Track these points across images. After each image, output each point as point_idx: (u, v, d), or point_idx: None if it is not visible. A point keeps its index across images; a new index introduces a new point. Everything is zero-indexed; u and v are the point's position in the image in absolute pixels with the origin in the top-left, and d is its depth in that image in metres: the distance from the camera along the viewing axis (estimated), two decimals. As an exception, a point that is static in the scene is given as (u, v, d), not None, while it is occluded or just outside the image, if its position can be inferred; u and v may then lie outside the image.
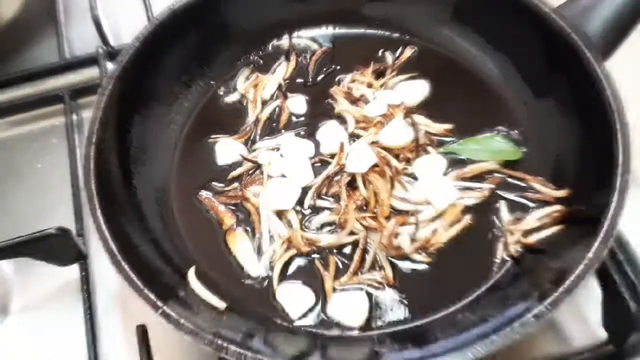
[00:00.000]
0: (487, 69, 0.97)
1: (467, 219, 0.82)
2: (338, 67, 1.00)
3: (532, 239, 0.79)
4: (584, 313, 0.78)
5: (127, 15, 1.16)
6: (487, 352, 0.61)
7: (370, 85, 0.96)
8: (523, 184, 0.85)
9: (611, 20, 0.82)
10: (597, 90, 0.77)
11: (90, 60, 1.07)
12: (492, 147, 0.88)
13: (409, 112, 0.91)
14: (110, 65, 0.97)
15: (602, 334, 0.76)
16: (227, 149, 0.91)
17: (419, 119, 0.90)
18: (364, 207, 0.83)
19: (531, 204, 0.83)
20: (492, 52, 0.97)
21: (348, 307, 0.76)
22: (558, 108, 0.86)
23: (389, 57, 1.00)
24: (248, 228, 0.84)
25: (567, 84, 0.84)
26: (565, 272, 0.66)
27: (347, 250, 0.81)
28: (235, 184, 0.88)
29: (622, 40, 0.83)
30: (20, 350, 0.83)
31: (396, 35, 1.02)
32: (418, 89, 0.95)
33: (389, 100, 0.93)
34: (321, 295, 0.78)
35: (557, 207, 0.80)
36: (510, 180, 0.85)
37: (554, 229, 0.78)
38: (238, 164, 0.90)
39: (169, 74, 0.95)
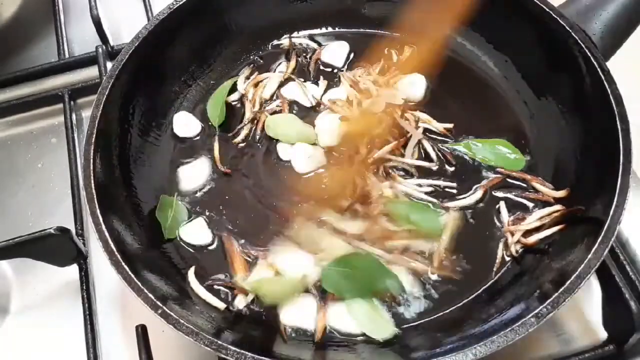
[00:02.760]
0: (487, 69, 0.97)
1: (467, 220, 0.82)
2: (338, 67, 1.00)
3: (533, 239, 0.78)
4: (584, 313, 0.78)
5: (126, 15, 1.16)
6: (487, 352, 0.61)
7: (375, 82, 0.95)
8: (523, 184, 0.85)
9: (612, 20, 0.81)
10: (597, 89, 0.77)
11: (89, 60, 1.07)
12: (498, 152, 0.87)
13: (407, 109, 0.90)
14: (109, 65, 0.97)
15: (603, 334, 0.76)
16: (191, 174, 0.90)
17: (422, 115, 0.90)
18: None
19: (531, 204, 0.83)
20: (493, 52, 0.97)
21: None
22: (559, 108, 0.86)
23: (395, 56, 0.99)
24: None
25: (567, 83, 0.84)
26: (565, 272, 0.66)
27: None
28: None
29: (623, 40, 0.83)
30: (20, 350, 0.83)
31: (396, 35, 1.02)
32: (416, 85, 0.95)
33: (390, 99, 0.92)
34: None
35: (557, 207, 0.80)
36: (510, 180, 0.85)
37: (555, 229, 0.78)
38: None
39: (169, 74, 0.95)
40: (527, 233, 0.79)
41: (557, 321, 0.78)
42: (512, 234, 0.79)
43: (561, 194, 0.81)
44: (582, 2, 0.84)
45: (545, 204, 0.82)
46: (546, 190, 0.83)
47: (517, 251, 0.79)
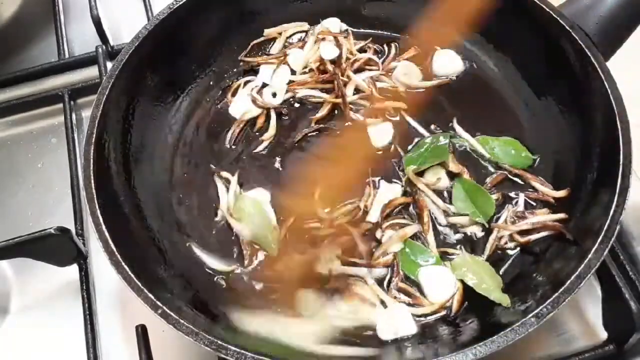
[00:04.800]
0: (487, 69, 0.97)
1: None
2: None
3: (526, 238, 0.79)
4: (584, 313, 0.78)
5: (126, 15, 1.16)
6: (487, 352, 0.61)
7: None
8: (522, 182, 0.85)
9: (611, 20, 0.81)
10: (597, 90, 0.77)
11: (89, 60, 1.06)
12: (507, 149, 0.87)
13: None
14: (109, 65, 0.96)
15: (603, 334, 0.76)
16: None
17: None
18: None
19: (532, 203, 0.83)
20: (493, 52, 0.97)
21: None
22: (559, 108, 0.86)
23: (393, 49, 1.00)
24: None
25: (567, 84, 0.84)
26: (565, 272, 0.66)
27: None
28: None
29: (623, 40, 0.83)
30: (20, 350, 0.83)
31: (396, 35, 1.02)
32: (412, 73, 0.96)
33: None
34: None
35: (556, 216, 0.79)
36: (512, 177, 0.85)
37: (545, 232, 0.78)
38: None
39: (169, 74, 0.95)
40: (523, 232, 0.79)
41: (557, 321, 0.78)
42: (503, 229, 0.79)
43: (561, 194, 0.81)
44: (581, 2, 0.84)
45: (545, 203, 0.82)
46: (546, 190, 0.83)
47: (506, 243, 0.79)
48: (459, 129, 0.89)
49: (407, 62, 0.97)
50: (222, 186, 0.88)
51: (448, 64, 0.97)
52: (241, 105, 0.95)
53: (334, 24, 1.02)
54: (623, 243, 0.81)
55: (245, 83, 0.98)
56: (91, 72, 1.06)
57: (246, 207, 0.83)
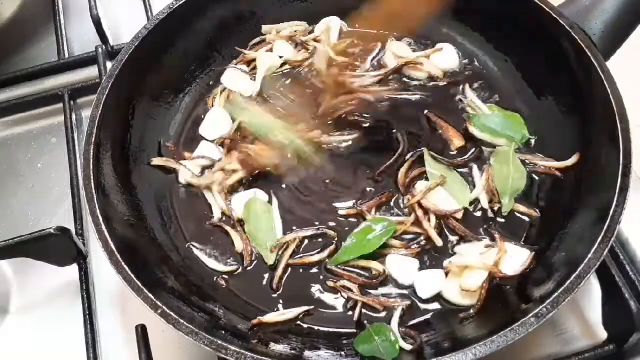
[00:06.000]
0: (487, 69, 0.97)
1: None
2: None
3: None
4: (584, 313, 0.78)
5: (126, 15, 1.16)
6: (487, 352, 0.61)
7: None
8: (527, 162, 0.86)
9: (611, 20, 0.81)
10: (597, 90, 0.77)
11: (89, 60, 1.07)
12: (507, 122, 0.88)
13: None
14: (109, 65, 0.97)
15: (603, 334, 0.76)
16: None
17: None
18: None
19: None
20: (493, 52, 0.96)
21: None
22: (559, 108, 0.86)
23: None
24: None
25: (567, 83, 0.84)
26: (566, 272, 0.66)
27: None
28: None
29: (623, 40, 0.83)
30: (20, 350, 0.83)
31: (395, 35, 1.02)
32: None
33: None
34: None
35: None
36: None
37: None
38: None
39: (169, 74, 0.95)
40: None
41: (557, 321, 0.78)
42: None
43: (571, 161, 0.82)
44: (582, 2, 0.84)
45: (553, 177, 0.83)
46: (553, 163, 0.83)
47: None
48: (470, 94, 0.91)
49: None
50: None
51: (445, 58, 0.97)
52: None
53: (334, 23, 1.02)
54: (623, 243, 0.81)
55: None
56: (91, 72, 1.06)
57: (257, 208, 0.83)
